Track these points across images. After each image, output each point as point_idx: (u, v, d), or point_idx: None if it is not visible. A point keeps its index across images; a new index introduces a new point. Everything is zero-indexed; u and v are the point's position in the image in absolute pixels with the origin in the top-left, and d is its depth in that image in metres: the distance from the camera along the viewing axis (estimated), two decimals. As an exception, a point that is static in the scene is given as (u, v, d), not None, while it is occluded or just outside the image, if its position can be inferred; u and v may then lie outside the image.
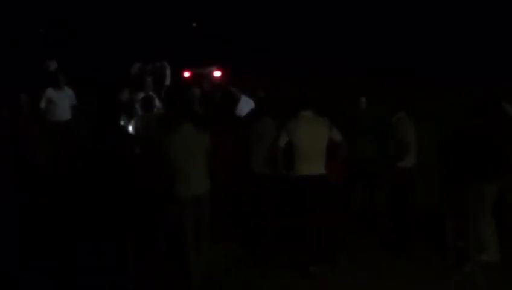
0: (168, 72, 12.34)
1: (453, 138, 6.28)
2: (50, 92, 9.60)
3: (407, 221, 6.59)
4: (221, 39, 26.11)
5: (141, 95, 9.17)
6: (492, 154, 6.09)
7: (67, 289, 5.85)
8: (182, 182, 5.71)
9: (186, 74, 17.72)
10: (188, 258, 5.83)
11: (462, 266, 6.20)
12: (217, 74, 17.86)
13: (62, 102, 9.61)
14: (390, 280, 5.95)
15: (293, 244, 6.28)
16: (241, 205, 6.76)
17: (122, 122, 7.86)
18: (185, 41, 24.49)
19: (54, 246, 6.44)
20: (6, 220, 7.11)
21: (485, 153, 6.08)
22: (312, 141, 6.01)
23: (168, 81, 12.07)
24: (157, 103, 9.41)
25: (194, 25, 29.00)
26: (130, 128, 7.54)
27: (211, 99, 8.69)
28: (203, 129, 5.89)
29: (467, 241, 6.27)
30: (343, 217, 6.59)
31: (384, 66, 23.10)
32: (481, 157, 6.06)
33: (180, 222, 5.82)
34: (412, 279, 5.97)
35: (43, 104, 9.53)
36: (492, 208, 6.27)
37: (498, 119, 6.36)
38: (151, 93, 9.37)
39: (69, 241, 6.30)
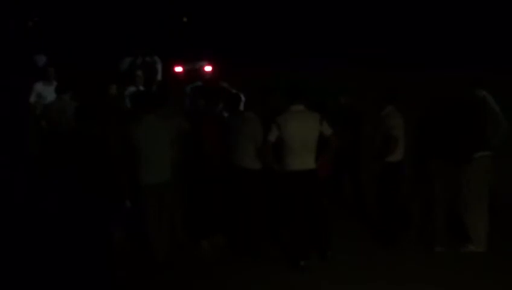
0: (159, 67, 12.27)
1: (423, 123, 6.48)
2: (39, 87, 9.48)
3: (396, 215, 6.62)
4: (213, 34, 26.05)
5: (131, 89, 9.12)
6: (456, 140, 6.24)
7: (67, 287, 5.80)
8: (145, 170, 5.97)
9: (178, 69, 17.67)
10: (154, 244, 6.06)
11: (432, 247, 6.37)
12: (208, 68, 17.83)
13: (51, 96, 9.49)
14: (382, 274, 5.97)
15: (284, 239, 6.31)
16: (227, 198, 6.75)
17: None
18: (176, 36, 24.41)
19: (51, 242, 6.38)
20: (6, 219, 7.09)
21: (450, 138, 6.25)
22: (302, 136, 6.00)
23: (159, 77, 11.98)
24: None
25: (185, 19, 28.88)
26: None
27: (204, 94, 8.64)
28: (170, 120, 6.22)
29: (435, 222, 6.41)
30: (331, 211, 6.64)
31: (373, 58, 23.20)
32: (446, 142, 6.25)
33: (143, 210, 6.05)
34: (405, 273, 5.99)
35: (32, 99, 9.42)
36: (485, 201, 6.37)
37: (465, 106, 6.48)
38: (141, 88, 9.32)
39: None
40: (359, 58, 23.61)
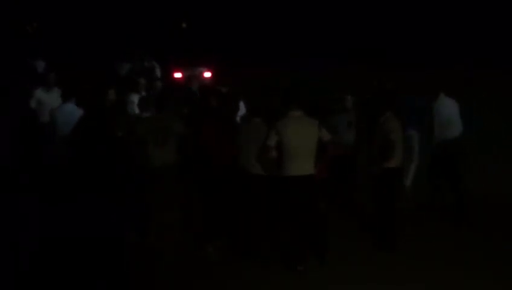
0: (158, 72, 12.30)
1: None
2: (39, 93, 9.45)
3: (394, 219, 6.66)
4: (213, 35, 26.04)
5: (134, 96, 9.14)
6: None
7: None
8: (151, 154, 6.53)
9: (178, 75, 17.73)
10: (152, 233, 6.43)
11: None
12: (207, 74, 17.90)
13: (52, 103, 9.48)
14: (382, 274, 6.01)
15: (282, 244, 6.33)
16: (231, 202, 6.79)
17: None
18: (175, 41, 24.44)
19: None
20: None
21: None
22: (301, 141, 6.05)
23: (158, 82, 12.01)
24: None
25: (184, 25, 28.93)
26: None
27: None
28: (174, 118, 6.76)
29: None
30: (330, 211, 6.70)
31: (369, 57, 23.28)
32: None
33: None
34: (405, 273, 6.03)
35: (32, 106, 9.41)
36: None
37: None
38: (143, 93, 9.36)
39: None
40: (359, 57, 23.67)
